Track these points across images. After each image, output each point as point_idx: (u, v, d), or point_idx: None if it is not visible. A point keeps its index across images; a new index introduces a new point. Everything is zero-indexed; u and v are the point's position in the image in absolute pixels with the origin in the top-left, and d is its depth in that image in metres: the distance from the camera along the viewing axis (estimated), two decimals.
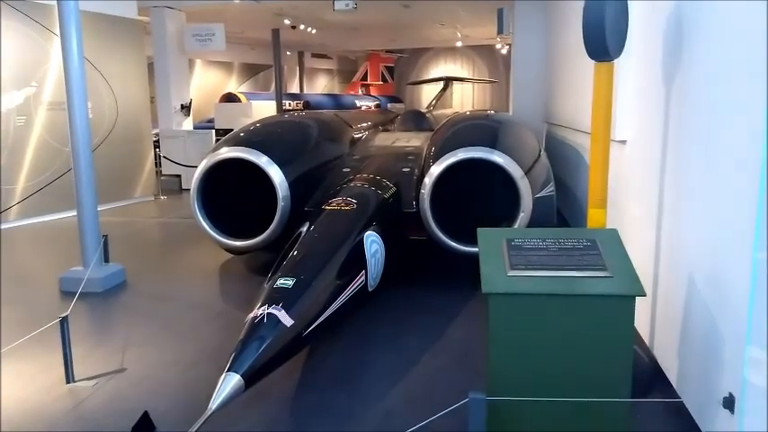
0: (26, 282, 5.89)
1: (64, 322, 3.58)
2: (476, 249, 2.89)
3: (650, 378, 3.31)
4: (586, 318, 2.56)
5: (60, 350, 3.59)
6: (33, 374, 3.68)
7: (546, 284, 2.58)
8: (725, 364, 2.51)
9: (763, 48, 2.15)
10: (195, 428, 2.51)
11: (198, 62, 21.15)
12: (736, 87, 2.45)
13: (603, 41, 3.10)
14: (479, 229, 2.97)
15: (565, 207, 7.50)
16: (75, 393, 3.46)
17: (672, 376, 3.24)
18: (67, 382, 3.56)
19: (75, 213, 5.49)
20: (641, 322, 3.97)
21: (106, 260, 5.66)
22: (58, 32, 5.37)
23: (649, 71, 3.80)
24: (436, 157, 5.19)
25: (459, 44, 22.16)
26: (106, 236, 5.64)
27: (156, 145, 11.79)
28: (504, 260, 2.72)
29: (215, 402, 2.64)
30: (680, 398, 3.00)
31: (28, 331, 3.55)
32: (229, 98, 17.57)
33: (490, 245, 2.84)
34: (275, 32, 15.51)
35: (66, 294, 5.13)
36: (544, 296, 2.56)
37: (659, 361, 3.48)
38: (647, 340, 3.75)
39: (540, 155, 5.75)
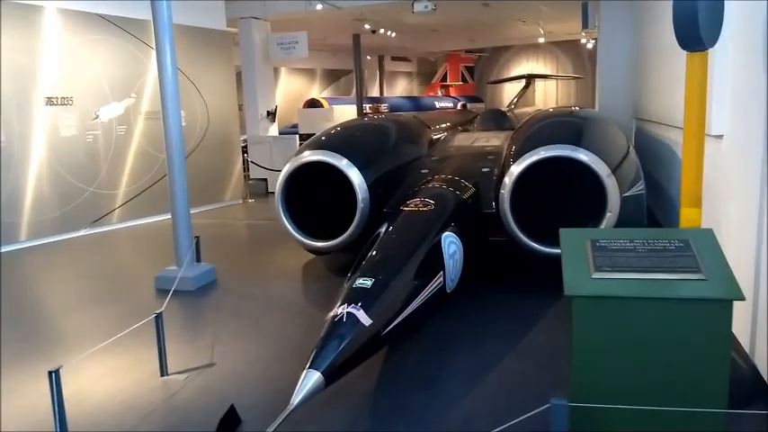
0: (125, 280, 6.31)
1: (158, 318, 3.81)
2: (559, 251, 2.79)
3: (750, 388, 3.08)
4: (679, 323, 2.41)
5: (155, 345, 3.82)
6: (129, 367, 3.93)
7: (634, 287, 2.45)
8: None
9: None
10: (277, 423, 2.58)
11: (282, 70, 21.85)
12: None
13: (696, 29, 2.92)
14: (562, 230, 2.87)
15: (657, 207, 7.12)
16: (168, 386, 3.66)
17: None
18: (161, 375, 3.78)
19: (170, 216, 5.82)
20: (740, 329, 3.70)
21: (198, 260, 5.97)
22: (153, 46, 5.71)
23: (748, 60, 3.53)
24: (516, 155, 5.08)
25: (541, 41, 21.59)
26: (198, 237, 5.94)
27: (245, 150, 12.30)
28: (588, 262, 2.62)
29: (296, 398, 2.71)
30: None
31: (126, 327, 3.80)
32: (312, 104, 18.04)
33: (573, 246, 2.74)
34: (356, 37, 15.79)
35: (161, 292, 5.44)
36: (632, 300, 2.43)
37: (760, 370, 3.22)
38: (746, 348, 3.49)
39: (628, 152, 5.49)
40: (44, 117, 8.10)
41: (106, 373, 3.87)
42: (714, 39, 3.05)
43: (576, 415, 2.54)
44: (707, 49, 3.07)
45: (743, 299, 2.36)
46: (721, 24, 3.10)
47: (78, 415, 3.26)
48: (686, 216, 3.26)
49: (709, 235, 2.69)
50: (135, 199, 9.30)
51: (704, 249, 2.58)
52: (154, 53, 5.77)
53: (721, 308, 2.37)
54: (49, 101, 8.15)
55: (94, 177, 8.75)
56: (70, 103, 8.39)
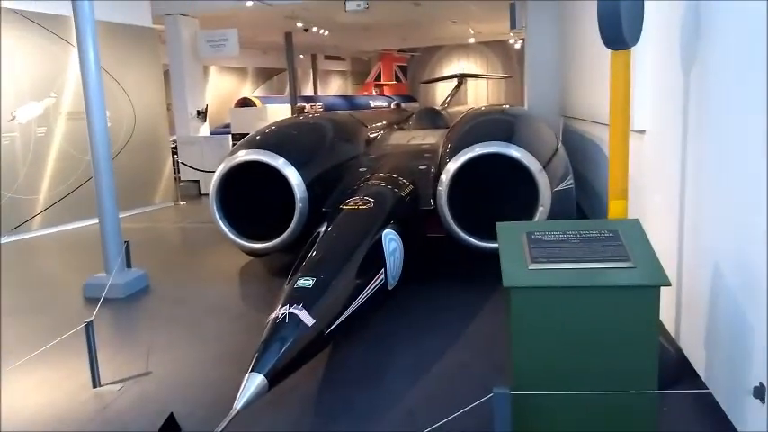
0: (51, 289, 5.98)
1: (89, 327, 3.63)
2: (495, 245, 2.86)
3: (677, 369, 3.26)
4: (610, 309, 2.52)
5: (86, 355, 3.64)
6: (60, 380, 3.74)
7: (568, 277, 2.55)
8: (754, 354, 2.46)
9: None
10: (221, 428, 2.52)
11: (213, 68, 21.33)
12: (757, 73, 2.39)
13: (619, 29, 3.06)
14: (499, 224, 2.94)
15: (584, 200, 7.43)
16: (101, 397, 3.50)
17: (699, 367, 3.19)
18: (94, 386, 3.60)
19: (96, 221, 5.56)
20: (666, 313, 3.91)
21: (128, 266, 5.73)
22: (75, 43, 5.44)
23: (667, 59, 3.74)
24: (452, 153, 5.17)
25: (471, 41, 22.08)
26: (128, 242, 5.71)
27: (174, 151, 11.91)
28: (524, 254, 2.69)
29: (239, 402, 2.66)
30: (708, 389, 2.95)
31: (54, 337, 3.60)
32: (245, 103, 17.68)
33: (510, 239, 2.81)
34: (288, 36, 15.63)
35: (91, 300, 5.20)
36: (566, 289, 2.53)
37: (686, 352, 3.42)
38: (672, 331, 3.70)
39: (557, 148, 5.70)
40: None
41: (36, 387, 3.65)
42: (636, 38, 3.20)
43: (518, 402, 2.62)
44: (629, 47, 3.22)
45: (669, 284, 2.49)
46: (642, 25, 3.25)
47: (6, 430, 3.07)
48: (614, 208, 3.42)
49: (636, 225, 2.82)
50: (58, 204, 8.82)
51: (632, 239, 2.71)
52: (75, 51, 5.50)
53: (649, 294, 2.50)
54: None
55: (12, 182, 8.24)
56: None
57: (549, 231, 2.82)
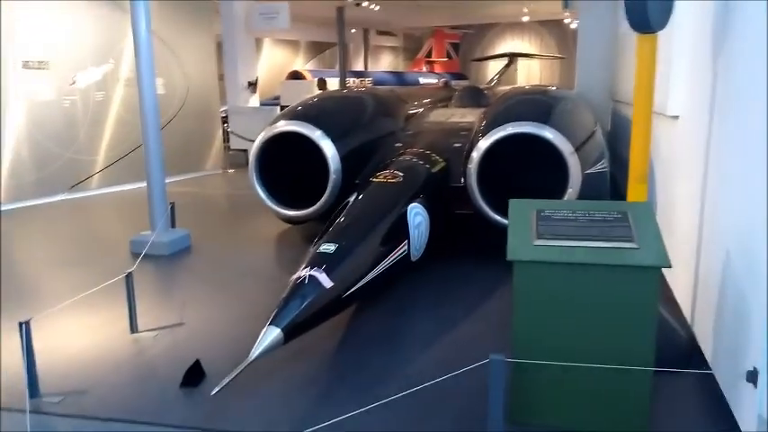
0: (101, 244, 6.40)
1: (129, 278, 3.94)
2: None
3: (686, 351, 3.30)
4: (610, 287, 2.60)
5: (126, 304, 3.95)
6: (101, 324, 4.07)
7: (569, 254, 2.63)
8: (752, 338, 2.50)
9: None
10: (235, 374, 2.75)
11: (266, 41, 21.65)
12: None
13: (645, 12, 3.06)
14: (511, 201, 3.03)
15: (625, 183, 7.32)
16: (137, 342, 3.82)
17: (707, 350, 3.23)
18: (131, 332, 3.92)
19: None
20: (683, 297, 3.94)
21: (173, 226, 6.07)
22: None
23: (699, 44, 3.70)
24: (485, 131, 5.22)
25: (525, 19, 21.61)
26: (173, 203, 6.04)
27: (225, 121, 12.29)
28: (531, 229, 2.79)
29: (255, 352, 2.88)
30: (710, 370, 2.99)
31: (98, 286, 3.92)
32: (295, 76, 17.97)
33: (520, 215, 2.91)
34: (339, 10, 15.70)
35: (136, 255, 5.53)
36: (567, 265, 2.62)
37: (697, 334, 3.45)
38: (687, 315, 3.72)
39: (594, 131, 5.67)
40: (21, 81, 8.06)
41: (77, 330, 4.00)
42: (663, 22, 3.19)
43: (515, 370, 2.74)
44: (655, 31, 3.22)
45: (669, 266, 2.55)
46: (671, 9, 3.23)
47: (49, 366, 3.40)
48: (633, 191, 3.45)
49: (646, 208, 2.87)
50: (114, 165, 9.32)
51: (640, 221, 2.76)
52: None
53: (649, 274, 2.56)
54: (26, 64, 8.10)
55: (72, 143, 8.75)
56: (46, 67, 8.34)
57: (558, 210, 2.90)
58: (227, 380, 2.72)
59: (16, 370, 3.26)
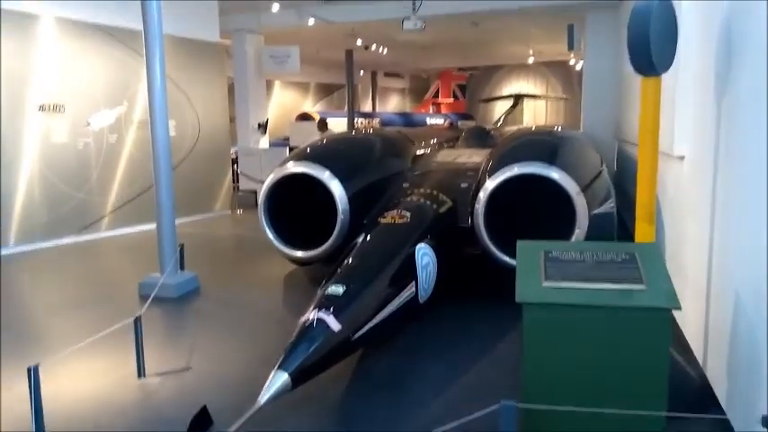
0: (110, 286, 6.42)
1: (138, 321, 3.94)
2: None
3: (699, 395, 3.24)
4: (620, 330, 2.58)
5: (134, 348, 3.94)
6: (108, 369, 4.06)
7: (579, 295, 2.62)
8: (766, 382, 2.45)
9: None
10: (242, 421, 2.72)
11: (276, 83, 22.09)
12: None
13: (648, 55, 3.11)
14: (519, 242, 3.04)
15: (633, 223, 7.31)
16: (144, 387, 3.79)
17: (720, 393, 3.17)
18: (139, 376, 3.90)
19: None
20: (695, 341, 3.88)
21: (182, 268, 6.09)
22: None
23: (703, 85, 3.75)
24: (492, 171, 5.26)
25: (530, 61, 21.97)
26: (182, 245, 6.07)
27: (235, 161, 12.46)
28: (540, 271, 2.79)
29: (263, 398, 2.86)
30: (725, 415, 2.93)
31: (106, 329, 3.91)
32: (304, 117, 18.25)
33: (528, 256, 2.91)
34: (348, 53, 16.04)
35: (144, 298, 5.55)
36: (576, 307, 2.60)
37: (710, 379, 3.39)
38: (699, 358, 3.66)
39: (601, 171, 5.70)
40: (36, 123, 8.24)
41: (85, 374, 3.98)
42: (666, 65, 3.24)
43: (526, 416, 2.70)
44: (659, 74, 3.26)
45: (679, 307, 2.53)
46: (674, 52, 3.29)
47: (56, 411, 3.37)
48: (641, 230, 3.44)
49: (654, 249, 2.87)
50: (125, 207, 9.42)
51: (648, 262, 2.76)
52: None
53: (659, 316, 2.54)
54: (42, 108, 8.30)
55: (84, 183, 8.87)
56: (62, 110, 8.53)
57: (567, 251, 2.90)
58: (234, 427, 2.69)
59: (24, 415, 3.23)
